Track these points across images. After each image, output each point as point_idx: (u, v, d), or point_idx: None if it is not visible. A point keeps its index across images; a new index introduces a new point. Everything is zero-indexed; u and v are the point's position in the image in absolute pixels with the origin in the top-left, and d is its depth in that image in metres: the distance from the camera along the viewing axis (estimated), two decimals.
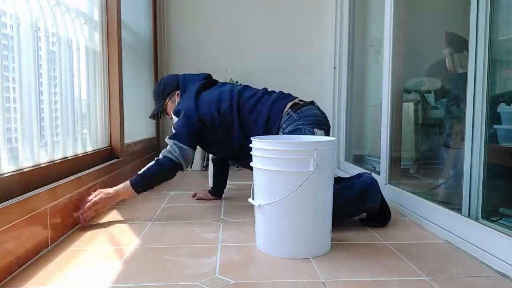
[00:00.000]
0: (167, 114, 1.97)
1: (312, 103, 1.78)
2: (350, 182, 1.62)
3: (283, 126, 1.68)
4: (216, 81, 1.97)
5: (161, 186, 2.41)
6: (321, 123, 1.69)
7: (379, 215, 1.59)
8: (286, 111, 1.70)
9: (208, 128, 1.75)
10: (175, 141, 1.71)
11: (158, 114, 1.98)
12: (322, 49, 3.37)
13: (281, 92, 1.84)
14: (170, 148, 1.72)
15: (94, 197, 1.59)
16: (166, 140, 1.75)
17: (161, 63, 3.39)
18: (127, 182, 1.68)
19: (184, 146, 1.71)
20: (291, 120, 1.68)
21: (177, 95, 1.93)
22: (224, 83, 1.93)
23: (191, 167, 2.00)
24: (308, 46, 3.42)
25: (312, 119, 1.68)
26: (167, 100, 1.94)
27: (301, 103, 1.75)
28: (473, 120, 1.38)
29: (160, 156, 1.75)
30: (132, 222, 1.64)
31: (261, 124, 1.69)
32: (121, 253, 1.29)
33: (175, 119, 1.81)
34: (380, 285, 1.07)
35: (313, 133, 1.65)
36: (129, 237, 1.46)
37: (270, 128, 1.69)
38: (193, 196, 2.12)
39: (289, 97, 1.80)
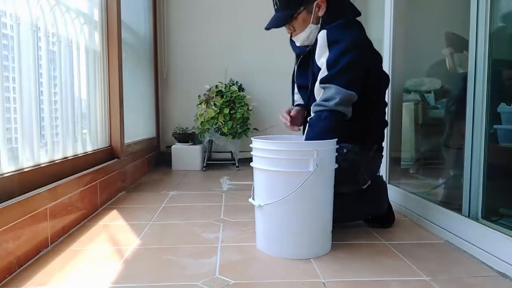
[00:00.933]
0: (293, 29, 1.54)
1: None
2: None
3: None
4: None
5: (161, 186, 2.42)
6: None
7: (383, 218, 1.58)
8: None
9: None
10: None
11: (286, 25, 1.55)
12: None
13: None
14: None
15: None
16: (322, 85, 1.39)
17: (161, 63, 3.39)
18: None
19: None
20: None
21: (320, 8, 1.47)
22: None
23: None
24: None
25: None
26: (301, 9, 1.48)
27: None
28: (473, 120, 1.38)
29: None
30: (132, 222, 1.64)
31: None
32: (121, 253, 1.29)
33: (323, 49, 1.41)
34: (380, 285, 1.07)
35: None
36: (129, 237, 1.46)
37: None
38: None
39: None
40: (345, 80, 1.35)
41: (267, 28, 1.60)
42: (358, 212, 1.55)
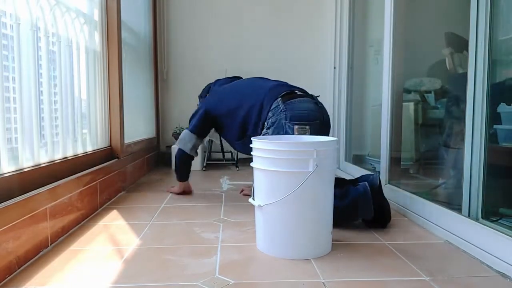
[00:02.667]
0: None
1: (310, 96, 1.72)
2: (345, 189, 1.54)
3: (269, 115, 1.67)
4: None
5: (161, 186, 2.42)
6: (307, 119, 1.61)
7: (378, 217, 1.56)
8: (277, 100, 1.67)
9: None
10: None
11: None
12: (322, 49, 3.37)
13: (283, 82, 1.85)
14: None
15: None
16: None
17: (161, 63, 3.39)
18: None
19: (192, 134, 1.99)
20: (276, 110, 1.64)
21: None
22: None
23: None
24: (308, 46, 3.42)
25: (297, 114, 1.60)
26: None
27: (297, 93, 1.70)
28: (473, 120, 1.38)
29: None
30: (132, 222, 1.64)
31: (256, 114, 1.78)
32: (121, 253, 1.29)
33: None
34: (380, 285, 1.07)
35: (292, 130, 1.59)
36: (129, 237, 1.46)
37: (253, 115, 1.77)
38: (241, 192, 2.18)
39: (287, 86, 1.78)
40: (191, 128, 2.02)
41: None
42: (343, 221, 1.54)
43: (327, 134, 1.74)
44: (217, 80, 2.21)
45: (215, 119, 1.97)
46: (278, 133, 1.65)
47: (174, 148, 3.12)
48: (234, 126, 1.89)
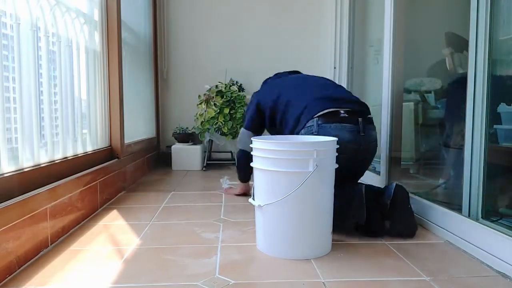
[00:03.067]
0: None
1: (356, 120, 1.55)
2: (342, 190, 1.48)
3: (302, 132, 1.58)
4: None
5: (161, 186, 2.42)
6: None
7: (368, 225, 1.46)
8: (313, 119, 1.56)
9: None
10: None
11: None
12: (322, 49, 3.37)
13: (339, 92, 1.73)
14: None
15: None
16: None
17: (161, 63, 3.39)
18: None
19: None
20: (308, 130, 1.55)
21: None
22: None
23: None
24: (308, 46, 3.42)
25: None
26: None
27: (340, 115, 1.55)
28: (473, 120, 1.38)
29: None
30: (132, 222, 1.64)
31: (292, 120, 1.69)
32: (121, 253, 1.29)
33: None
34: (380, 285, 1.07)
35: None
36: (129, 237, 1.46)
37: (297, 125, 1.66)
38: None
39: (334, 101, 1.62)
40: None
41: None
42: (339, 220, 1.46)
43: (366, 162, 1.65)
44: (276, 74, 2.11)
45: (265, 112, 1.85)
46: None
47: (175, 148, 3.13)
48: (277, 122, 1.81)
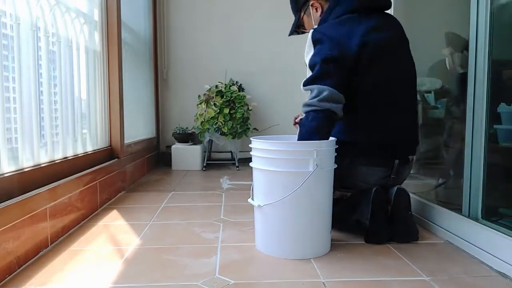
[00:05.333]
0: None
1: (389, 163, 1.44)
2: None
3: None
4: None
5: (161, 186, 2.42)
6: None
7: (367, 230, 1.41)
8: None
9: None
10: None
11: (297, 31, 1.70)
12: None
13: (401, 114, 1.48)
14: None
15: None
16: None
17: (161, 63, 3.39)
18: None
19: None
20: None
21: (317, 9, 1.56)
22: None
23: None
24: None
25: None
26: (302, 14, 1.65)
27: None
28: (473, 120, 1.38)
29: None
30: (132, 222, 1.64)
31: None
32: (121, 253, 1.29)
33: (308, 48, 1.45)
34: (380, 285, 1.07)
35: None
36: (129, 237, 1.46)
37: None
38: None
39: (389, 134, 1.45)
40: (328, 81, 1.35)
41: (289, 35, 1.76)
42: (341, 219, 1.46)
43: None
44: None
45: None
46: None
47: (175, 148, 3.13)
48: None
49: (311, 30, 1.44)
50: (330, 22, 1.47)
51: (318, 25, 1.52)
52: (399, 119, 1.47)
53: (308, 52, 1.45)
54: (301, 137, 1.38)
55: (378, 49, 1.42)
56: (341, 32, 1.40)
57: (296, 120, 1.50)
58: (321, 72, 1.36)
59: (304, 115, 1.40)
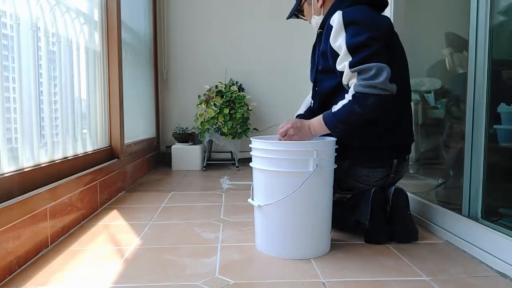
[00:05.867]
0: (306, 19, 1.62)
1: (388, 164, 1.43)
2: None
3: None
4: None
5: (161, 186, 2.42)
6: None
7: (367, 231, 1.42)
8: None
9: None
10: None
11: (296, 14, 1.64)
12: None
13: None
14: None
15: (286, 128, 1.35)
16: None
17: (161, 63, 3.40)
18: (321, 117, 1.33)
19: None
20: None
21: None
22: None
23: None
24: (308, 46, 3.40)
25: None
26: (303, 1, 1.59)
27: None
28: (473, 120, 1.38)
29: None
30: (132, 222, 1.64)
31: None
32: (121, 253, 1.29)
33: (338, 30, 1.32)
34: (380, 285, 1.07)
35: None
36: (129, 237, 1.46)
37: None
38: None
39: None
40: (382, 60, 1.24)
41: (287, 18, 1.70)
42: (340, 219, 1.47)
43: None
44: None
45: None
46: None
47: (175, 148, 3.13)
48: None
49: (339, 12, 1.33)
50: (349, 8, 1.36)
51: (327, 14, 1.46)
52: (403, 121, 1.47)
53: (338, 35, 1.32)
54: (355, 114, 1.24)
55: (397, 46, 1.42)
56: (370, 17, 1.33)
57: (281, 132, 1.35)
58: (373, 50, 1.24)
59: (346, 101, 1.26)
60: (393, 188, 1.41)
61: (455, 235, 1.39)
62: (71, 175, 1.57)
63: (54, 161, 1.50)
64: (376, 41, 1.26)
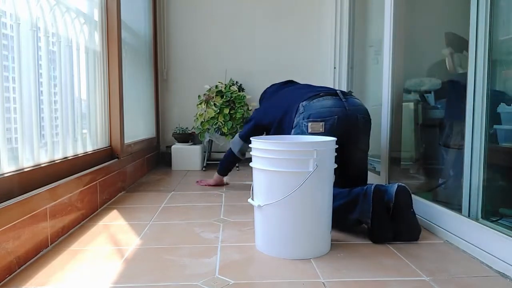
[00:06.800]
0: None
1: (335, 93, 1.69)
2: (351, 189, 1.50)
3: (295, 119, 1.70)
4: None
5: (161, 186, 2.42)
6: (320, 116, 1.61)
7: (371, 229, 1.43)
8: (301, 103, 1.69)
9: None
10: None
11: None
12: (322, 49, 3.38)
13: (322, 87, 1.87)
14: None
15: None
16: None
17: (161, 63, 3.39)
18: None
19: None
20: (298, 113, 1.68)
21: None
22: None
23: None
24: (308, 46, 3.42)
25: (313, 112, 1.62)
26: None
27: (320, 94, 1.69)
28: (473, 120, 1.38)
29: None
30: (132, 222, 1.64)
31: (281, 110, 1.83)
32: (121, 253, 1.29)
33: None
34: (380, 285, 1.07)
35: (306, 128, 1.61)
36: (129, 237, 1.46)
37: (287, 117, 1.79)
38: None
39: (317, 89, 1.79)
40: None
41: None
42: (341, 218, 1.48)
43: (358, 128, 1.66)
44: (272, 85, 2.28)
45: (264, 128, 2.05)
46: (297, 134, 1.67)
47: (175, 148, 3.13)
48: (280, 133, 1.91)
49: None
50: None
51: None
52: None
53: None
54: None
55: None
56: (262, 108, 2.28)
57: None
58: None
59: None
60: (396, 185, 1.42)
61: (455, 235, 1.39)
62: (71, 175, 1.57)
63: (54, 161, 1.50)
64: (247, 124, 2.20)
